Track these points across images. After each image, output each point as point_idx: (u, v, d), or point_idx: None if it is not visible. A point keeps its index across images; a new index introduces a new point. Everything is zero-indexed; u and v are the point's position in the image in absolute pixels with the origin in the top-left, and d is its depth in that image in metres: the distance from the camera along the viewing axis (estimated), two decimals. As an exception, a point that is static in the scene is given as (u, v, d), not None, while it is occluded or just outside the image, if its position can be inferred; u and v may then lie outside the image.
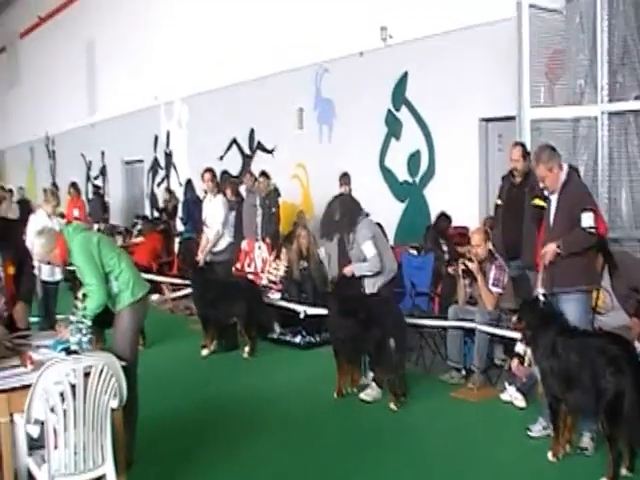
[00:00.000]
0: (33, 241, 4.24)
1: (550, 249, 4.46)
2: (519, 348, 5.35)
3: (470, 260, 5.84)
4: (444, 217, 7.86)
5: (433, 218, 8.09)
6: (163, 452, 4.66)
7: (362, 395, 5.67)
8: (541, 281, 4.62)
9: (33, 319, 4.45)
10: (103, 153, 17.31)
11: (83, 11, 17.56)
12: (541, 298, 4.52)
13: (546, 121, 6.25)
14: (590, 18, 6.00)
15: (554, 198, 4.62)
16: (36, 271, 5.21)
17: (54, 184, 16.36)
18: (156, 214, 14.06)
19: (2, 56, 24.18)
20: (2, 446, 3.43)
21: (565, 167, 4.63)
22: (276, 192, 9.21)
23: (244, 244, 9.05)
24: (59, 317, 4.33)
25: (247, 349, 7.12)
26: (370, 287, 5.89)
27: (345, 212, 5.82)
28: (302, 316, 7.36)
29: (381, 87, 9.24)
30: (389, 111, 9.25)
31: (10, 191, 15.57)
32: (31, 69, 21.39)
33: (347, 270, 5.96)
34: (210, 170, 7.99)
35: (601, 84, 6.01)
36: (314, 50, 10.14)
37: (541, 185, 4.72)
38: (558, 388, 4.22)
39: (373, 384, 5.69)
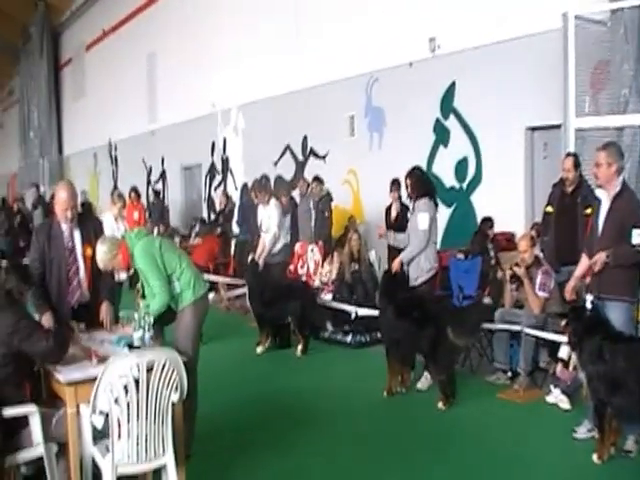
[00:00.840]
0: (97, 248, 4.33)
1: (600, 259, 4.46)
2: (563, 352, 5.47)
3: (517, 265, 5.91)
4: (486, 220, 7.97)
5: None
6: (219, 446, 4.78)
7: (418, 385, 5.95)
8: (588, 286, 4.66)
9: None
10: (163, 159, 17.56)
11: (145, 25, 17.90)
12: (588, 305, 4.56)
13: (591, 130, 6.25)
14: (634, 29, 5.99)
15: (605, 204, 4.59)
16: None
17: (115, 188, 16.78)
18: (213, 217, 14.22)
19: (69, 67, 24.85)
20: (69, 435, 3.57)
21: (622, 177, 4.62)
22: (329, 196, 9.31)
23: (297, 247, 9.16)
24: (122, 314, 4.54)
25: (300, 347, 7.29)
26: (414, 277, 6.01)
27: (415, 181, 6.16)
28: (353, 316, 7.48)
29: (429, 96, 9.30)
30: (437, 119, 9.31)
31: (74, 194, 16.13)
32: (95, 79, 21.73)
33: (396, 265, 6.07)
34: (254, 189, 8.19)
35: (645, 94, 6.00)
36: (365, 60, 10.26)
37: (593, 170, 4.70)
38: (604, 392, 4.25)
39: (426, 374, 5.93)
